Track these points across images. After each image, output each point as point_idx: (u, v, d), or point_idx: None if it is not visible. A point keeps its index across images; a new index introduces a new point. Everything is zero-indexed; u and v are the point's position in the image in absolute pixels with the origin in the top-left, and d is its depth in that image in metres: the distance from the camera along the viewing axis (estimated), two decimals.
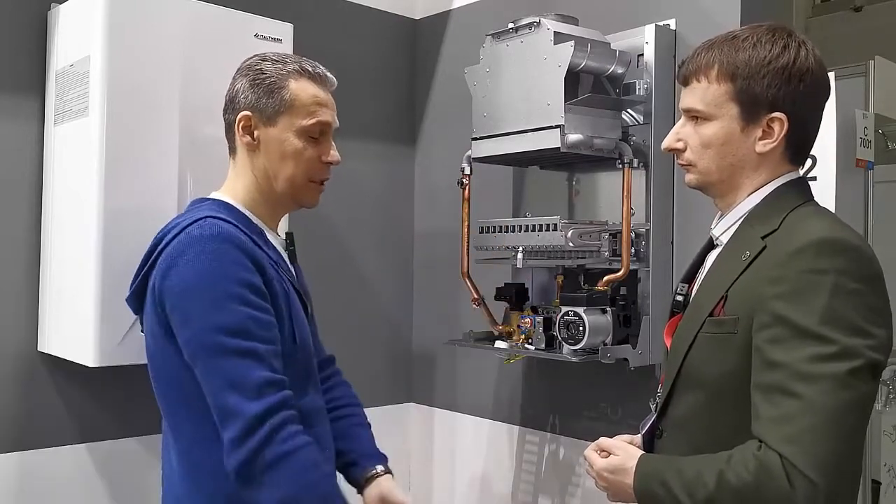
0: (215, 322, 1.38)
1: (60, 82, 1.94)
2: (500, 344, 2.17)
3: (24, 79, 2.00)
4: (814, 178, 2.02)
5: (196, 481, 1.46)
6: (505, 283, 2.23)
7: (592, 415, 2.23)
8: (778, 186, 1.33)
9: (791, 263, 1.20)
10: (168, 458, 1.54)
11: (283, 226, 2.07)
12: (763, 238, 1.27)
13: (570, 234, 1.91)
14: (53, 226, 1.97)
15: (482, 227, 2.10)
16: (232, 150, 1.59)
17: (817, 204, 1.35)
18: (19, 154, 2.00)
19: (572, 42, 1.86)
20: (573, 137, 1.88)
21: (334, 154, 1.59)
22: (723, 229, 1.38)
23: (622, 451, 1.35)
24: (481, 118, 2.08)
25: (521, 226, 2.00)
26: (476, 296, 2.19)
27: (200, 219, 1.45)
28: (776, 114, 1.29)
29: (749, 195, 1.34)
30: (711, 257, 1.41)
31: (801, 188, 1.35)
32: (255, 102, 1.53)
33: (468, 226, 2.19)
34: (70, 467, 2.02)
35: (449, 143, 2.59)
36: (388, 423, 2.61)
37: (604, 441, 1.40)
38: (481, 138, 2.08)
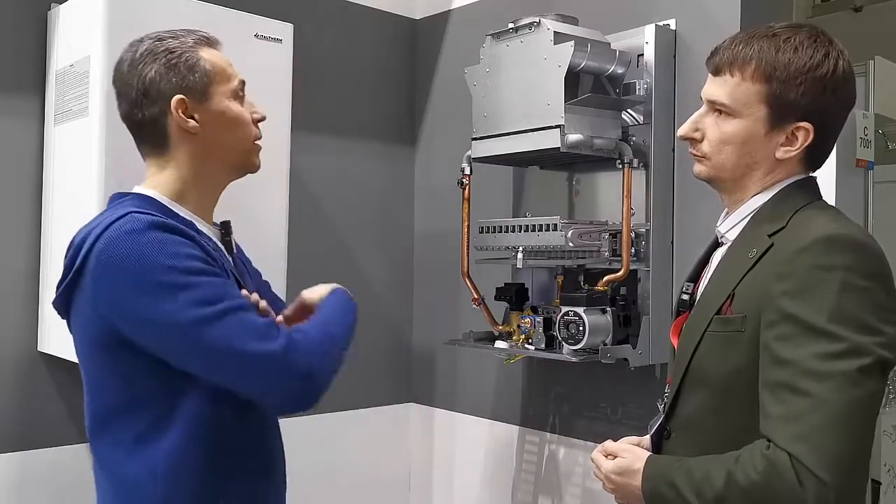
0: (188, 300, 1.26)
1: (60, 82, 1.94)
2: (500, 344, 2.17)
3: (24, 79, 2.00)
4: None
5: (126, 498, 1.35)
6: (505, 283, 2.23)
7: (592, 415, 2.23)
8: (786, 185, 1.32)
9: (799, 260, 1.18)
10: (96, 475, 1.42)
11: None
12: (770, 236, 1.26)
13: (570, 234, 1.90)
14: (53, 226, 1.97)
15: (482, 227, 2.10)
16: (159, 144, 1.42)
17: (826, 203, 1.34)
18: (19, 154, 2.00)
19: (572, 42, 1.86)
20: (573, 137, 1.88)
21: (260, 109, 1.50)
22: (729, 227, 1.37)
23: (629, 454, 1.34)
24: (481, 118, 2.07)
25: (521, 226, 2.00)
26: (476, 296, 2.19)
27: (123, 216, 1.30)
28: (804, 123, 1.26)
29: (757, 193, 1.33)
30: (717, 256, 1.40)
31: (809, 187, 1.34)
32: (180, 83, 1.41)
33: (468, 226, 2.18)
34: (70, 467, 2.02)
35: (449, 143, 2.59)
36: (388, 423, 2.61)
37: (610, 444, 1.39)
38: (481, 138, 2.08)
